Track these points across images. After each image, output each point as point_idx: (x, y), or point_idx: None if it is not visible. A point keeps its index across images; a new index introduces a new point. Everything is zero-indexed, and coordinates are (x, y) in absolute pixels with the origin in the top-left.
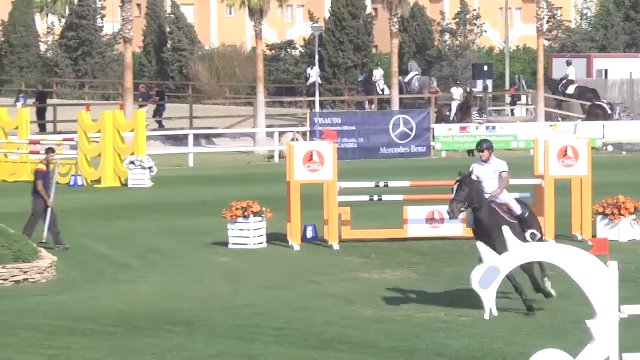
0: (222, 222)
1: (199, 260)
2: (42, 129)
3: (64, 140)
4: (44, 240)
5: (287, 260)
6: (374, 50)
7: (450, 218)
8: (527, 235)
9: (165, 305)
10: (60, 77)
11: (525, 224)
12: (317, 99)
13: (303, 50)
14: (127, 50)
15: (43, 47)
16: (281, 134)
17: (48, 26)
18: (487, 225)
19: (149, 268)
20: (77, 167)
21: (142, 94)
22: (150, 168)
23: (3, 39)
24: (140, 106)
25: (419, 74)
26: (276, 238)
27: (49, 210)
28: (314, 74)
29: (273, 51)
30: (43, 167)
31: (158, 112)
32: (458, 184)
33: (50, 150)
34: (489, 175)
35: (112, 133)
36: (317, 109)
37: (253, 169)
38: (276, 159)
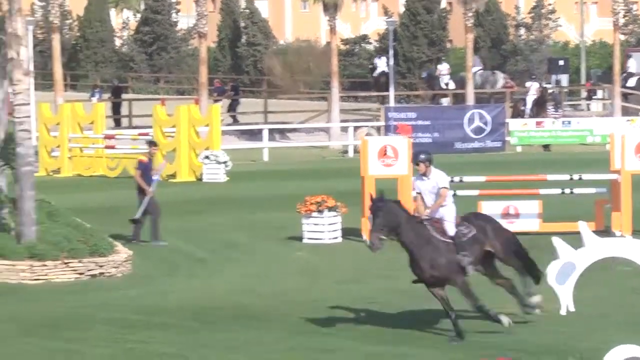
0: (296, 216)
1: (274, 254)
2: (117, 123)
3: (139, 134)
4: (136, 217)
5: (361, 255)
6: (448, 45)
7: (373, 251)
8: (460, 257)
9: (240, 299)
10: (135, 71)
11: (460, 247)
12: (392, 93)
13: (377, 45)
14: (201, 45)
15: (118, 42)
16: (355, 128)
17: (123, 21)
18: (412, 245)
19: (224, 262)
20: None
21: (217, 89)
22: (225, 162)
23: (78, 34)
24: (215, 101)
25: (481, 69)
26: (351, 233)
27: (147, 198)
28: (381, 63)
29: (347, 46)
30: (145, 158)
31: (232, 107)
32: (373, 210)
33: (152, 144)
34: (429, 189)
35: (187, 128)
36: (392, 103)
37: (327, 164)
38: (350, 154)
